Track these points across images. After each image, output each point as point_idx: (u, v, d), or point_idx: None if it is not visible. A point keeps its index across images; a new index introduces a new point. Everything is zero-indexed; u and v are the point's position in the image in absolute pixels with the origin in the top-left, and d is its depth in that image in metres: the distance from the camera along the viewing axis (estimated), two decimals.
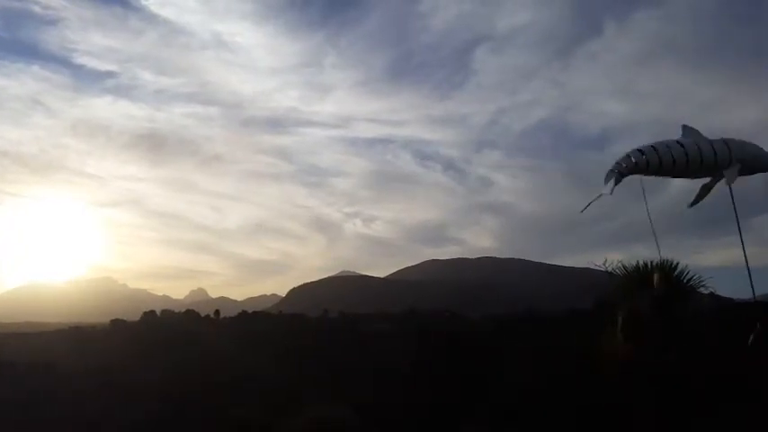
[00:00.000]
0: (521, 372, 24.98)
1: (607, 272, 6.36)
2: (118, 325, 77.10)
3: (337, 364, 37.76)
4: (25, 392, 33.48)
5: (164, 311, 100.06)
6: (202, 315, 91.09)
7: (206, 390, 30.15)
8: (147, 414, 26.51)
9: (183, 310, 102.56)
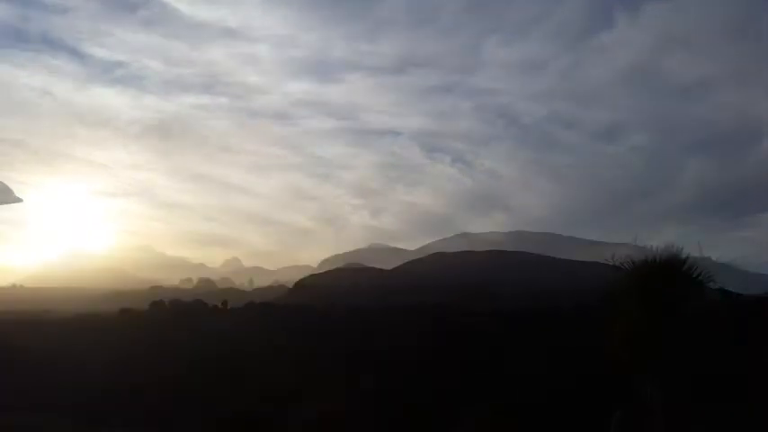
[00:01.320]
0: (525, 365, 24.80)
1: (615, 267, 6.04)
2: (126, 315, 77.79)
3: (344, 356, 37.78)
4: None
5: (172, 302, 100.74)
6: (210, 305, 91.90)
7: (211, 382, 30.17)
8: (154, 405, 26.59)
9: (218, 278, 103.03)
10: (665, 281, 5.61)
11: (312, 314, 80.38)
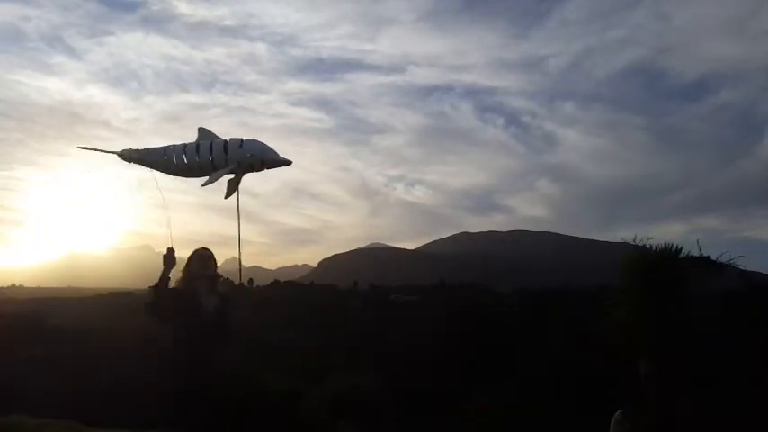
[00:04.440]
0: (548, 346, 24.87)
1: (636, 248, 5.88)
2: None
3: (367, 335, 38.28)
4: (69, 354, 34.97)
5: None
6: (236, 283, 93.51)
7: (236, 357, 30.92)
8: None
9: None
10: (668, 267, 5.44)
11: (335, 292, 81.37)
